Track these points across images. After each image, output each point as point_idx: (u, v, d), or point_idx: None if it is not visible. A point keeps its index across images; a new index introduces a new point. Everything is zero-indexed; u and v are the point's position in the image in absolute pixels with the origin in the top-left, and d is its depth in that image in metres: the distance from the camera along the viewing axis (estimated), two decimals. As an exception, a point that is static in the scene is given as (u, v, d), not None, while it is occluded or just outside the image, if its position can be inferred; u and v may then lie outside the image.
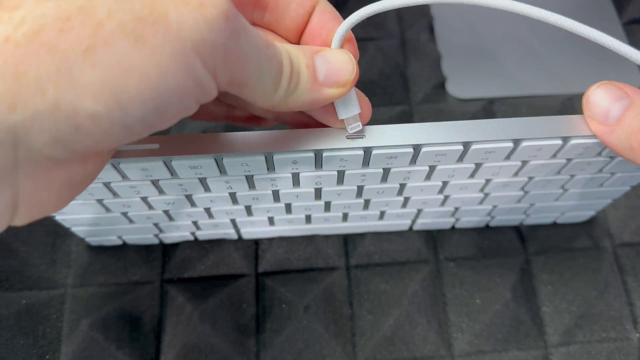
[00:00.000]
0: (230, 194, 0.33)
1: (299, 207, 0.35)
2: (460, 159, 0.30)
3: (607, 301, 0.42)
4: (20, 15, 0.16)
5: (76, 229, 0.38)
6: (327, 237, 0.43)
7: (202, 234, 0.41)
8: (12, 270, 0.41)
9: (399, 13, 0.52)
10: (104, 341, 0.40)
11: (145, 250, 0.42)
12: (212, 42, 0.18)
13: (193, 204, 0.34)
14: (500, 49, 0.50)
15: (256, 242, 0.43)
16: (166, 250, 0.42)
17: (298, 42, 0.27)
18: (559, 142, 0.28)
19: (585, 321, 0.41)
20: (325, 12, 0.25)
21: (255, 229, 0.40)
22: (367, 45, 0.51)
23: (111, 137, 0.18)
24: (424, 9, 0.52)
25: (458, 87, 0.48)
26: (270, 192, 0.33)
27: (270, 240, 0.42)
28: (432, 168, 0.31)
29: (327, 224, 0.40)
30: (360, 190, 0.34)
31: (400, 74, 0.50)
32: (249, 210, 0.36)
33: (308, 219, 0.38)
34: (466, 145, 0.28)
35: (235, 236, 0.42)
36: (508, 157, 0.30)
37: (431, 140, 0.28)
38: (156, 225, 0.38)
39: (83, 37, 0.16)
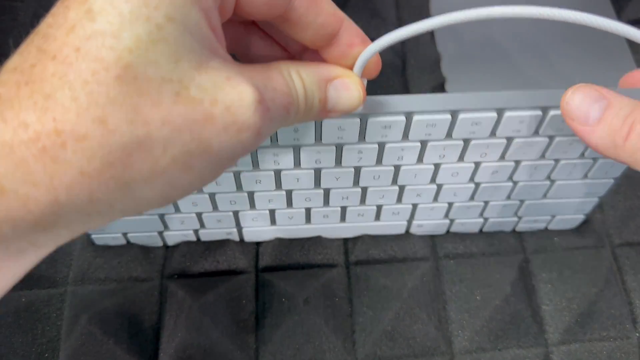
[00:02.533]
0: (234, 173, 0.36)
1: (300, 195, 0.39)
2: (450, 133, 0.34)
3: (606, 300, 0.44)
4: (91, 150, 0.20)
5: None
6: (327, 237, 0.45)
7: (205, 233, 0.44)
8: (13, 269, 0.44)
9: (398, 13, 0.54)
10: (103, 336, 0.42)
11: (146, 248, 0.45)
12: (242, 154, 0.23)
13: (199, 190, 0.37)
14: (500, 50, 0.52)
15: (257, 243, 0.46)
16: (167, 248, 0.45)
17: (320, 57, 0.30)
18: (539, 112, 0.32)
19: (585, 320, 0.43)
20: (352, 30, 0.28)
21: (256, 228, 0.43)
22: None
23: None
24: (423, 10, 0.54)
25: (457, 88, 0.51)
26: (272, 172, 0.36)
27: (271, 239, 0.45)
28: (423, 145, 0.35)
29: (327, 223, 0.43)
30: (357, 174, 0.37)
31: (400, 75, 0.53)
32: (251, 199, 0.39)
33: (308, 216, 0.42)
34: (454, 114, 0.32)
35: (237, 238, 0.44)
36: (494, 133, 0.34)
37: (422, 108, 0.32)
38: (161, 217, 0.41)
39: (143, 172, 0.21)
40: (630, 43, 0.52)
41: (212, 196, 0.39)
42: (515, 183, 0.39)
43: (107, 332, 0.42)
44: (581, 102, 0.28)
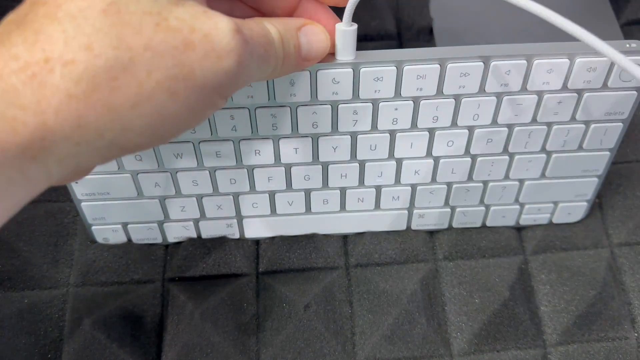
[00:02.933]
0: (233, 141, 0.37)
1: (299, 173, 0.40)
2: (440, 90, 0.35)
3: (605, 301, 0.44)
4: (77, 73, 0.22)
5: (84, 204, 0.42)
6: (327, 237, 0.46)
7: (205, 226, 0.44)
8: (15, 270, 0.44)
9: (398, 14, 0.55)
10: (106, 340, 0.42)
11: (147, 249, 0.46)
12: (229, 83, 0.25)
13: (200, 163, 0.39)
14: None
15: (257, 242, 0.46)
16: (168, 249, 0.46)
17: None
18: (524, 61, 0.34)
19: (583, 321, 0.43)
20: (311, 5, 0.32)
21: (256, 219, 0.44)
22: (366, 46, 0.55)
23: (149, 148, 0.27)
24: (423, 10, 0.55)
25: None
26: (271, 141, 0.37)
27: (272, 239, 0.46)
28: (416, 103, 0.36)
29: (327, 212, 0.43)
30: (354, 143, 0.38)
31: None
32: (251, 176, 0.40)
33: (308, 201, 0.42)
34: (442, 63, 0.34)
35: (237, 234, 0.45)
36: (483, 89, 0.35)
37: (412, 57, 0.33)
38: (161, 201, 0.41)
39: (129, 95, 0.23)
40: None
41: (212, 172, 0.40)
42: (511, 156, 0.40)
43: (110, 335, 0.42)
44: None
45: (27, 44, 0.22)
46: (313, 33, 0.31)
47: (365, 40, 0.54)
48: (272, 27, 0.28)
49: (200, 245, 0.46)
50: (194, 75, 0.23)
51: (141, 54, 0.22)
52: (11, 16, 0.24)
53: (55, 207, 0.47)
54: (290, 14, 0.32)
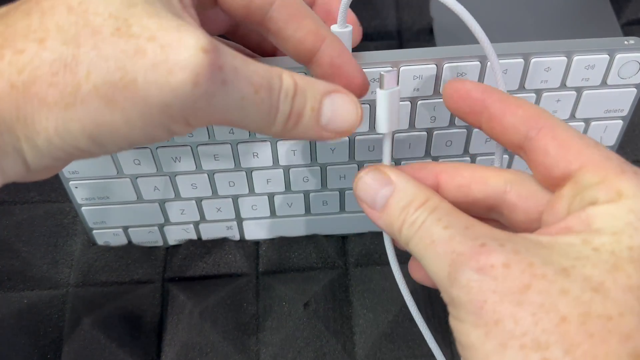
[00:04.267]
0: (231, 144, 0.38)
1: (298, 174, 0.40)
2: (437, 90, 0.36)
3: None
4: (22, 62, 0.23)
5: (84, 208, 0.42)
6: (326, 237, 0.46)
7: (206, 228, 0.45)
8: (14, 271, 0.45)
9: (398, 14, 0.56)
10: (105, 340, 0.42)
11: (147, 249, 0.46)
12: (179, 106, 0.22)
13: (198, 166, 0.39)
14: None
15: (257, 242, 0.47)
16: (168, 249, 0.46)
17: None
18: (520, 60, 0.34)
19: None
20: (334, 50, 0.29)
21: (256, 221, 0.44)
22: (367, 45, 0.55)
23: (96, 155, 0.25)
24: (423, 10, 0.55)
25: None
26: (269, 143, 0.38)
27: (272, 239, 0.46)
28: (413, 103, 0.36)
29: (326, 213, 0.44)
30: (351, 145, 0.39)
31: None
32: (250, 179, 0.41)
33: (307, 202, 0.43)
34: (439, 63, 0.34)
35: (237, 236, 0.46)
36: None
37: (409, 58, 0.34)
38: (161, 205, 0.42)
39: (65, 95, 0.22)
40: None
41: (210, 175, 0.40)
42: (511, 155, 0.41)
43: (110, 335, 0.42)
44: (369, 188, 0.27)
45: None
46: (342, 102, 0.27)
47: (366, 40, 0.54)
48: (289, 78, 0.26)
49: (200, 245, 0.46)
50: (135, 86, 0.22)
51: (86, 52, 0.22)
52: (3, 9, 0.24)
53: (54, 208, 0.48)
54: (309, 56, 0.29)
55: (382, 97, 0.28)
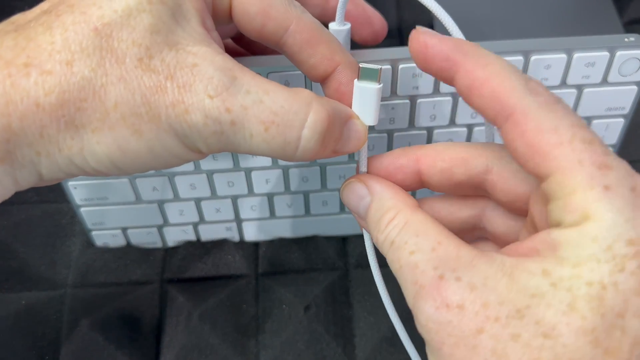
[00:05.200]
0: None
1: (296, 175, 0.40)
2: (437, 88, 0.36)
3: None
4: (50, 85, 0.23)
5: (83, 209, 0.42)
6: (327, 238, 0.46)
7: (205, 229, 0.45)
8: (12, 272, 0.45)
9: (399, 12, 0.56)
10: (104, 341, 0.42)
11: (146, 250, 0.46)
12: (195, 139, 0.24)
13: (197, 167, 0.39)
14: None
15: (256, 243, 0.47)
16: (167, 250, 0.47)
17: None
18: (521, 58, 0.35)
19: None
20: (343, 77, 0.28)
21: (256, 222, 0.44)
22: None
23: (110, 175, 0.28)
24: (424, 8, 0.57)
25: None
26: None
27: (271, 241, 0.46)
28: (413, 102, 0.36)
29: (326, 214, 0.44)
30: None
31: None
32: (249, 179, 0.41)
33: (307, 203, 0.43)
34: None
35: (237, 237, 0.46)
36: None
37: (407, 56, 0.34)
38: (160, 205, 0.42)
39: (93, 120, 0.23)
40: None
41: (209, 175, 0.40)
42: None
43: (108, 336, 0.43)
44: (350, 199, 0.28)
45: (17, 48, 0.23)
46: (354, 128, 0.27)
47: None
48: (320, 111, 0.25)
49: (199, 247, 0.46)
50: (159, 120, 0.24)
51: (114, 84, 0.23)
52: (18, 17, 0.25)
53: (52, 208, 0.48)
54: (323, 79, 0.29)
55: (376, 92, 0.28)
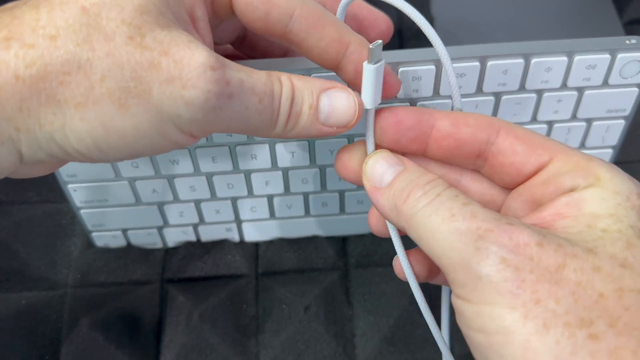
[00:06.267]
0: (229, 147, 0.38)
1: (296, 176, 0.41)
2: (437, 90, 0.36)
3: None
4: (31, 57, 0.23)
5: (83, 211, 0.43)
6: (327, 238, 0.47)
7: (205, 230, 0.45)
8: (13, 271, 0.46)
9: (399, 13, 0.57)
10: (104, 341, 0.43)
11: (146, 250, 0.47)
12: (189, 118, 0.24)
13: (196, 169, 0.39)
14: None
15: (256, 243, 0.47)
16: (167, 250, 0.47)
17: None
18: (521, 60, 0.35)
19: None
20: (357, 56, 0.29)
21: (256, 223, 0.44)
22: None
23: (94, 161, 0.26)
24: (424, 10, 0.55)
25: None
26: (267, 145, 0.38)
27: (271, 241, 0.47)
28: (412, 104, 0.37)
29: (325, 213, 0.44)
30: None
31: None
32: (248, 181, 0.41)
33: (307, 204, 0.43)
34: (438, 64, 0.34)
35: (237, 238, 0.46)
36: (480, 89, 0.36)
37: (407, 59, 0.34)
38: (160, 207, 0.42)
39: (77, 94, 0.23)
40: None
41: (209, 177, 0.41)
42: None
43: (108, 336, 0.43)
44: (378, 164, 0.28)
45: (0, 25, 0.23)
46: (338, 97, 0.28)
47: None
48: (287, 80, 0.27)
49: (199, 247, 0.47)
50: (150, 95, 0.23)
51: (101, 58, 0.23)
52: (8, 4, 0.25)
53: (52, 208, 0.48)
54: (335, 64, 0.29)
55: (370, 72, 0.28)
